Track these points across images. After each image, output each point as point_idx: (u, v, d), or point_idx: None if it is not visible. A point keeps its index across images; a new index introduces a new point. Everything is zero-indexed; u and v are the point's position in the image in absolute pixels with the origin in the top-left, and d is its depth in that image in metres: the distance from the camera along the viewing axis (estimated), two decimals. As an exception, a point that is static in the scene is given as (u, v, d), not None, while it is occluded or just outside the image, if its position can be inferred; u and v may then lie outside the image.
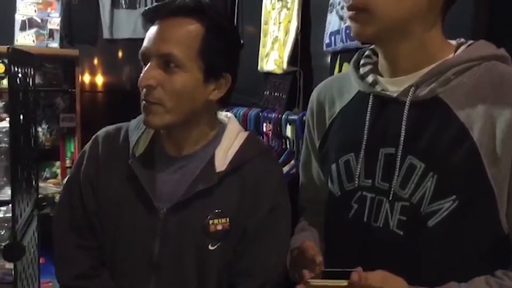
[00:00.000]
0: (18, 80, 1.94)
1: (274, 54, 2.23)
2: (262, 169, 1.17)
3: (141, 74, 1.09)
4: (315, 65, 2.06)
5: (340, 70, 1.77)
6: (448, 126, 0.96)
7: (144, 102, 1.11)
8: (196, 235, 1.13)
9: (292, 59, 2.09)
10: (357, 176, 1.06)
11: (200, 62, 1.09)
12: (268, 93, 2.30)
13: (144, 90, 1.10)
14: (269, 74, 2.29)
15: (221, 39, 1.13)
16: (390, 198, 1.01)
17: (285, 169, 1.82)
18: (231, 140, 1.18)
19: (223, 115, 1.27)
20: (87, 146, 1.27)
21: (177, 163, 1.18)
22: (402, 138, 0.99)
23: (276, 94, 2.24)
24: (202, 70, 1.10)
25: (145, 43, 1.11)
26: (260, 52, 2.34)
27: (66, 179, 1.39)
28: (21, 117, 1.97)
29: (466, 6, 1.25)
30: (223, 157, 1.15)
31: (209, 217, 1.12)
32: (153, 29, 1.11)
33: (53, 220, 1.27)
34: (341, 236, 1.12)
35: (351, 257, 1.05)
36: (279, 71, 2.17)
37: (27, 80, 2.14)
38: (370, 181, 1.05)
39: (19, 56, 2.02)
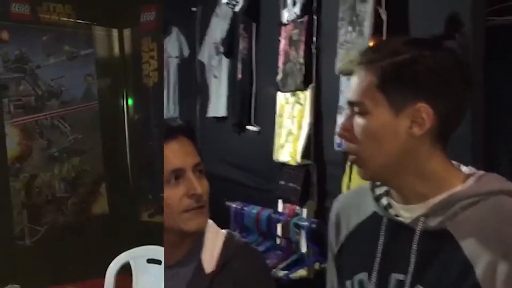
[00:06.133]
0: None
1: (288, 146, 2.30)
2: (248, 262, 1.28)
3: (193, 185, 1.22)
4: (328, 160, 2.13)
5: (350, 170, 1.82)
6: (454, 260, 0.95)
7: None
8: None
9: (306, 153, 2.17)
10: None
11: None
12: (283, 183, 2.35)
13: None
14: (284, 164, 2.36)
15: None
16: None
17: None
18: (213, 241, 1.29)
19: None
20: None
21: (170, 271, 1.28)
22: (412, 267, 0.99)
23: (291, 184, 2.29)
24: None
25: (175, 161, 1.24)
26: (275, 142, 2.42)
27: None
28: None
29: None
30: (210, 259, 1.26)
31: None
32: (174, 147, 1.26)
33: None
34: None
35: None
36: (293, 163, 2.23)
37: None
38: None
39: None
